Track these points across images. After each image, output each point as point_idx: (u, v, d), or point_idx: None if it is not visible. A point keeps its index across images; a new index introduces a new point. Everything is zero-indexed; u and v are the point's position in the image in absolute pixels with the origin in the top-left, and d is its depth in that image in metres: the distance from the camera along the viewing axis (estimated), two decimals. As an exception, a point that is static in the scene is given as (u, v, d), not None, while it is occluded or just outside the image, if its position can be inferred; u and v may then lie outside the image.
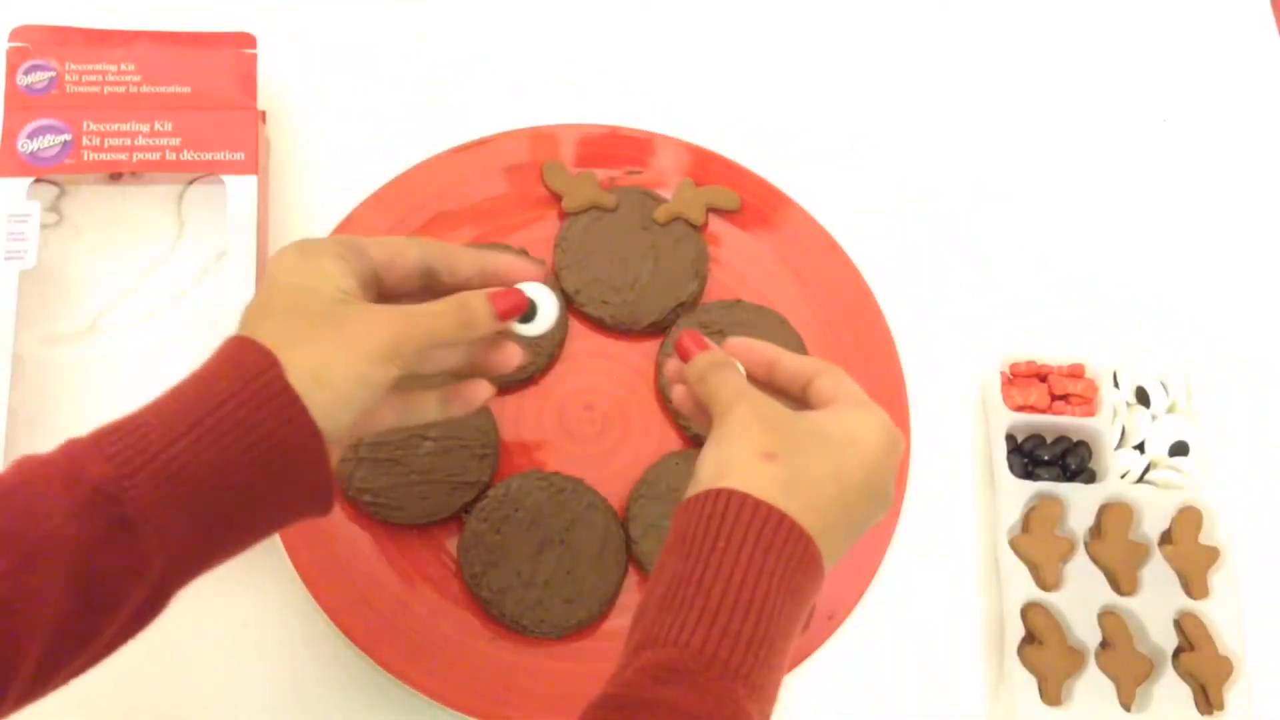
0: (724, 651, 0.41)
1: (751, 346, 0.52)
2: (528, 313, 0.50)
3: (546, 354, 0.67)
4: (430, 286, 0.50)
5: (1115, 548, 0.67)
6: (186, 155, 0.67)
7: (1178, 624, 0.66)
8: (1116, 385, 0.72)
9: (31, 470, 0.41)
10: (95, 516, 0.40)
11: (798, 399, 0.50)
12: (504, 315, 0.49)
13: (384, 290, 0.49)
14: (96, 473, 0.40)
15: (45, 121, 0.66)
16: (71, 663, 0.42)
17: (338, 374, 0.44)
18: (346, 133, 0.75)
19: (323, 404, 0.43)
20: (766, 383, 0.51)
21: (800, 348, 0.69)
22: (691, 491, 0.46)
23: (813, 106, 0.81)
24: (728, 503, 0.44)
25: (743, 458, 0.45)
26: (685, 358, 0.51)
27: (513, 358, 0.52)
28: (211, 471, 0.42)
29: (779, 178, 0.74)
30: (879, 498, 0.48)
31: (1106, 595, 0.66)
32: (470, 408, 0.52)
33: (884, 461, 0.48)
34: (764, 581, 0.42)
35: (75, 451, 0.42)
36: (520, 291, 0.50)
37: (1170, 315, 0.77)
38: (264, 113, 0.71)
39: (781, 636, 0.43)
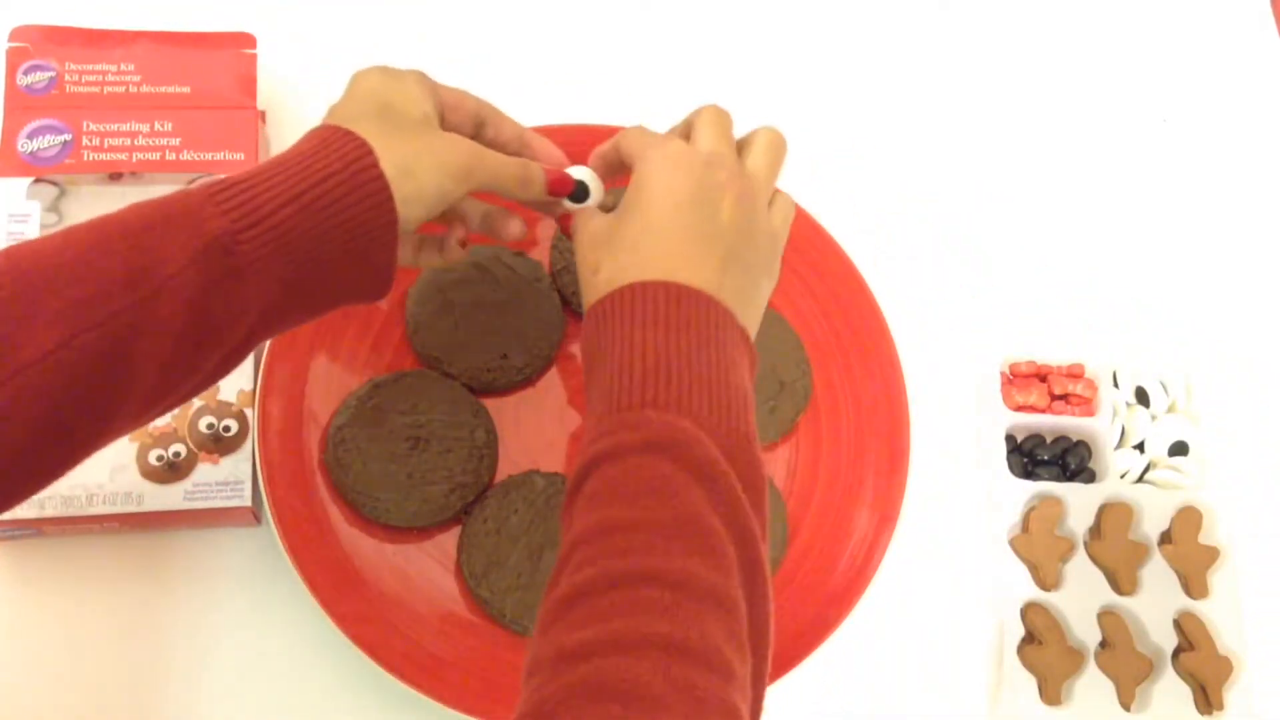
0: (636, 391, 0.46)
1: (605, 154, 0.58)
2: (579, 193, 0.57)
3: (545, 355, 0.67)
4: (478, 136, 0.57)
5: (1115, 548, 0.67)
6: (186, 155, 0.67)
7: (1177, 624, 0.66)
8: (1116, 385, 0.72)
9: (156, 213, 0.46)
10: (213, 263, 0.45)
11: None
12: (552, 190, 0.56)
13: (444, 126, 0.55)
14: (215, 226, 0.45)
15: (45, 121, 0.66)
16: (174, 391, 0.47)
17: (425, 171, 0.50)
18: (346, 133, 0.75)
19: (406, 194, 0.49)
20: (606, 171, 0.58)
21: (799, 347, 0.69)
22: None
23: (813, 106, 0.81)
24: (594, 314, 0.50)
25: (586, 282, 0.53)
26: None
27: (515, 229, 0.59)
28: (308, 238, 0.47)
29: (779, 178, 0.74)
30: (690, 204, 0.51)
31: (1106, 595, 0.66)
32: (452, 257, 0.59)
33: (657, 187, 0.51)
34: (643, 337, 0.47)
35: (193, 203, 0.46)
36: (570, 178, 0.57)
37: (1170, 315, 0.77)
38: (264, 113, 0.71)
39: (692, 364, 0.46)
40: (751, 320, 0.52)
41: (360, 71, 0.54)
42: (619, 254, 0.51)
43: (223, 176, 0.47)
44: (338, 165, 0.48)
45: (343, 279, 0.50)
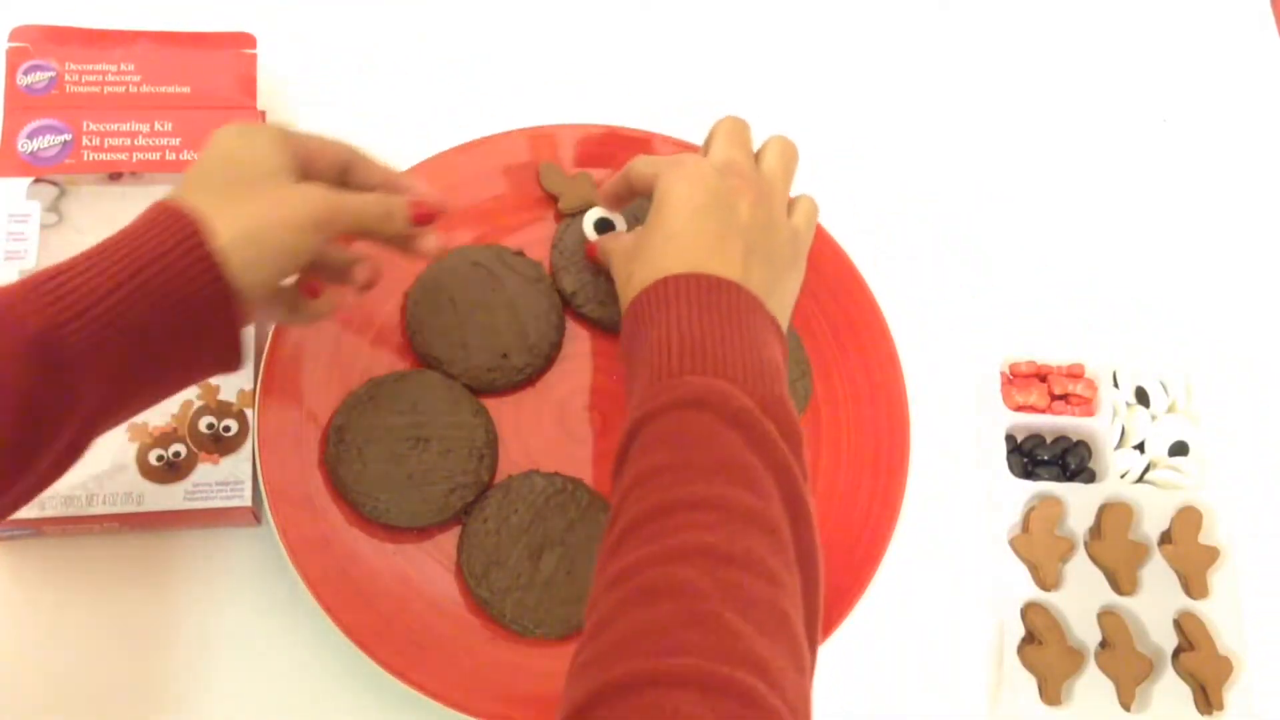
0: (672, 365, 0.49)
1: (614, 187, 0.62)
2: (602, 225, 0.63)
3: (545, 355, 0.67)
4: (345, 182, 0.57)
5: (1115, 548, 0.67)
6: (186, 155, 0.67)
7: (1177, 624, 0.66)
8: (1116, 385, 0.72)
9: None
10: (34, 361, 0.44)
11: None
12: (417, 220, 0.57)
13: (307, 176, 0.54)
14: (35, 322, 0.44)
15: (45, 121, 0.66)
16: (7, 492, 0.46)
17: (269, 234, 0.49)
18: (346, 133, 0.75)
19: (247, 260, 0.48)
20: (616, 203, 0.64)
21: (798, 347, 0.69)
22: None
23: (813, 106, 0.81)
24: (632, 311, 0.53)
25: (620, 291, 0.56)
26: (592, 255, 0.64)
27: (370, 275, 0.59)
28: (138, 325, 0.46)
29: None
30: (708, 208, 0.54)
31: (1106, 595, 0.66)
32: (319, 316, 0.59)
33: (675, 199, 0.55)
34: (674, 320, 0.50)
35: (12, 299, 0.45)
36: (433, 208, 0.58)
37: (1170, 315, 0.77)
38: (264, 113, 0.71)
39: (723, 338, 0.49)
40: (779, 310, 0.54)
41: (218, 131, 0.53)
42: (648, 260, 0.53)
43: (51, 268, 0.46)
44: (165, 246, 0.47)
45: (184, 359, 0.49)
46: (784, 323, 0.55)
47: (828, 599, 0.63)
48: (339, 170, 0.56)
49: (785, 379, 0.50)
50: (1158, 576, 0.67)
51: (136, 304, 0.46)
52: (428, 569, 0.62)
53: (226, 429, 0.62)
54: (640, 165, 0.60)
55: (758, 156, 0.59)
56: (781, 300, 0.56)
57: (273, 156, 0.52)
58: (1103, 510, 0.68)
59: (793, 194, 0.73)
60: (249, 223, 0.49)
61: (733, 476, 0.44)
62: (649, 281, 0.52)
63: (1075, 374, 0.71)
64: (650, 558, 0.42)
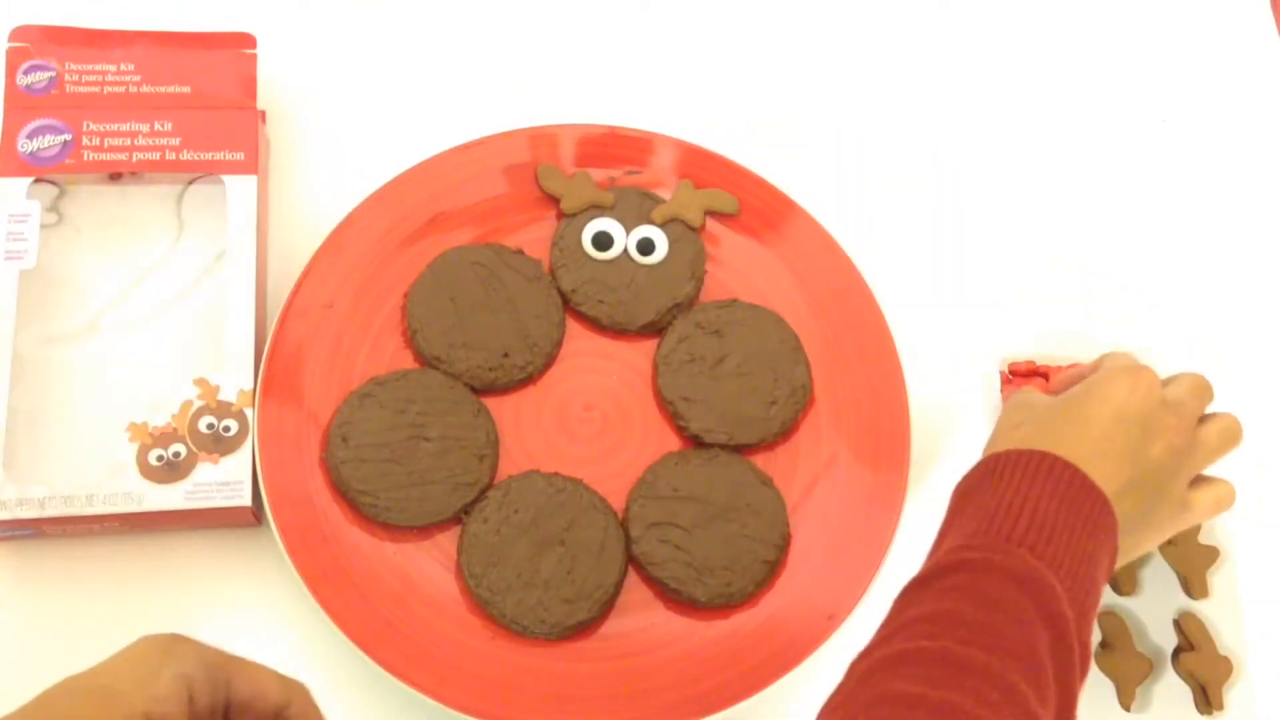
0: (1001, 528, 0.49)
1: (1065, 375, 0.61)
2: (605, 236, 0.63)
3: (546, 354, 0.67)
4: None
5: (1115, 548, 0.67)
6: (186, 155, 0.67)
7: (1178, 624, 0.66)
8: (1116, 385, 0.72)
9: None
10: None
11: None
12: None
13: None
14: None
15: (45, 121, 0.66)
16: None
17: None
18: (346, 133, 0.75)
19: None
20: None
21: (797, 347, 0.69)
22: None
23: (813, 106, 0.81)
24: (992, 459, 0.53)
25: (1001, 432, 0.56)
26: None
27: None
28: None
29: (779, 177, 0.74)
30: (1132, 424, 0.53)
31: (1106, 595, 0.66)
32: None
33: (1112, 395, 0.54)
34: (1029, 490, 0.50)
35: None
36: None
37: (1171, 315, 0.77)
38: (264, 113, 0.71)
39: (1055, 530, 0.49)
40: (1122, 551, 0.53)
41: (142, 640, 0.46)
42: (1046, 425, 0.54)
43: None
44: None
45: None
46: (1122, 560, 0.54)
47: (828, 599, 0.63)
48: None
49: (1101, 590, 0.51)
50: (1158, 576, 0.67)
51: None
52: (428, 569, 0.62)
53: (226, 429, 0.62)
54: (1116, 354, 0.59)
55: (1201, 420, 0.57)
56: (1130, 541, 0.54)
57: (159, 702, 0.43)
58: (1103, 510, 0.68)
59: (784, 195, 0.73)
60: None
61: (1027, 671, 0.44)
62: (1034, 446, 0.52)
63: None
64: (928, 702, 0.42)
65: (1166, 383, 0.56)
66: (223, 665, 0.46)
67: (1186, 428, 0.55)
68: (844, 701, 0.45)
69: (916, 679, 0.43)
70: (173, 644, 0.46)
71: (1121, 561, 0.53)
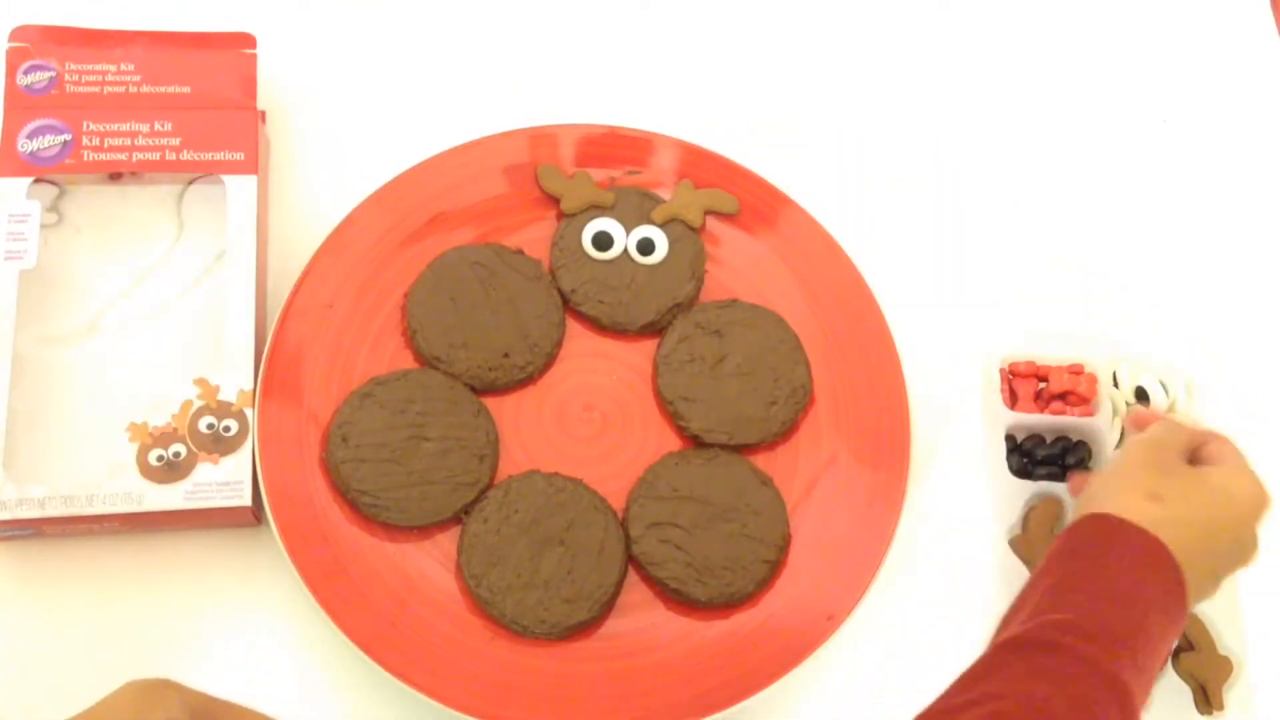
0: (1112, 624, 0.49)
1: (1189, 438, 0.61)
2: (605, 236, 0.61)
3: (546, 353, 0.67)
4: None
5: (1115, 548, 0.67)
6: (186, 155, 0.67)
7: (1178, 624, 0.66)
8: (1116, 385, 0.72)
9: None
10: None
11: (1190, 460, 0.59)
12: None
13: None
14: None
15: (45, 121, 0.66)
16: None
17: None
18: (346, 133, 0.75)
19: None
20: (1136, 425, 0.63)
21: (797, 347, 0.69)
22: (1083, 511, 0.55)
23: (813, 106, 0.81)
24: (1120, 526, 0.52)
25: (1129, 494, 0.54)
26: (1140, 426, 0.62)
27: None
28: None
29: (779, 177, 0.74)
30: (1241, 547, 0.56)
31: (1106, 595, 0.66)
32: None
33: (1251, 518, 0.56)
34: (1142, 591, 0.51)
35: None
36: None
37: (1170, 315, 0.77)
38: (264, 113, 0.71)
39: (1151, 639, 0.50)
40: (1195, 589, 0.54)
41: (125, 688, 0.46)
42: (1183, 525, 0.53)
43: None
44: None
45: None
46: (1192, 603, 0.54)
47: (828, 599, 0.63)
48: None
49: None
50: (1158, 576, 0.67)
51: None
52: (428, 569, 0.62)
53: (226, 429, 0.62)
54: (1229, 446, 0.60)
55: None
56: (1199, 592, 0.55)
57: None
58: (1103, 510, 0.68)
59: (784, 195, 0.73)
60: None
61: None
62: (1167, 543, 0.52)
63: (1075, 373, 0.71)
64: None
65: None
66: (208, 710, 0.46)
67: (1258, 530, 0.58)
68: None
69: None
70: (160, 690, 0.46)
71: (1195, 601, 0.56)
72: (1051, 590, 0.52)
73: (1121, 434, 0.70)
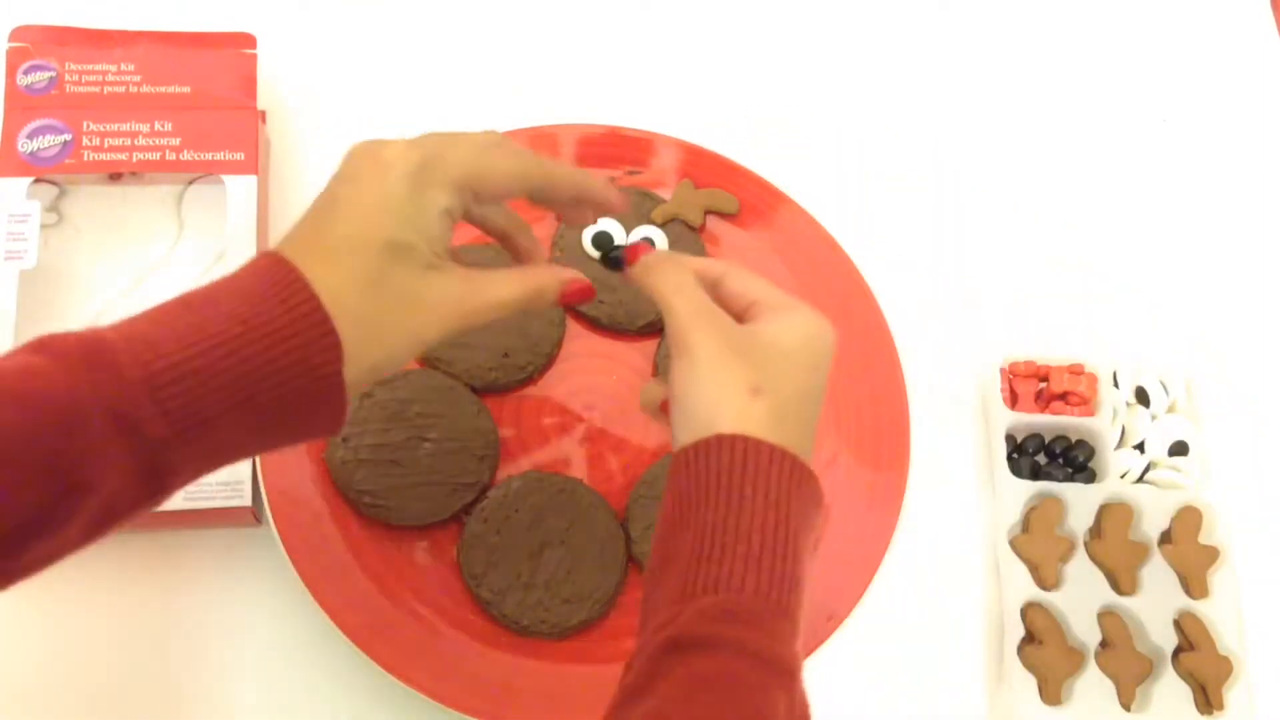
0: (775, 593, 0.43)
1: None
2: (605, 235, 0.60)
3: (546, 353, 0.67)
4: (533, 197, 0.52)
5: (1115, 548, 0.67)
6: (186, 155, 0.67)
7: (1177, 624, 0.66)
8: (1116, 385, 0.72)
9: (91, 399, 0.40)
10: (140, 467, 0.41)
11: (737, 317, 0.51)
12: (564, 302, 0.53)
13: (480, 202, 0.49)
14: (151, 432, 0.41)
15: (45, 121, 0.66)
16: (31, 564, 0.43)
17: (400, 344, 0.46)
18: (346, 133, 0.75)
19: (370, 366, 0.45)
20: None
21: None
22: (687, 435, 0.47)
23: (814, 106, 0.81)
24: (743, 450, 0.45)
25: (732, 397, 0.47)
26: (633, 259, 0.53)
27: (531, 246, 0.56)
28: (257, 436, 0.44)
29: (779, 177, 0.74)
30: (822, 393, 0.50)
31: (1106, 595, 0.66)
32: None
33: (827, 359, 0.50)
34: (792, 523, 0.45)
35: (137, 394, 0.41)
36: (587, 286, 0.53)
37: (1170, 315, 0.77)
38: (264, 113, 0.71)
39: (802, 567, 0.45)
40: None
41: (390, 158, 0.47)
42: (779, 405, 0.47)
43: (173, 350, 0.41)
44: (293, 371, 0.42)
45: (274, 446, 0.46)
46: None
47: (828, 599, 0.63)
48: (527, 191, 0.51)
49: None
50: (1158, 576, 0.67)
51: (252, 420, 0.42)
52: (428, 569, 0.62)
53: (226, 429, 0.61)
54: (754, 286, 0.52)
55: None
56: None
57: (437, 237, 0.46)
58: (1103, 510, 0.68)
59: (784, 195, 0.74)
60: (377, 356, 0.45)
61: None
62: (784, 444, 0.46)
63: (1075, 373, 0.71)
64: None
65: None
66: (459, 174, 0.47)
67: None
68: None
69: None
70: (422, 174, 0.46)
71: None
72: (697, 552, 0.44)
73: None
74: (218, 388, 0.42)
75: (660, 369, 0.68)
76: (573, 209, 0.54)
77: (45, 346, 0.41)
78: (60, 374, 0.40)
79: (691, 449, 0.46)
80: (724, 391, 0.47)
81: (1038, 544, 0.67)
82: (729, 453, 0.45)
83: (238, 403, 0.42)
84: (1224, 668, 0.64)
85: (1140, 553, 0.67)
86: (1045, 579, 0.66)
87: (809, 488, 0.46)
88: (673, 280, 0.50)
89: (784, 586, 0.44)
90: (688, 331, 0.48)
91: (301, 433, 0.45)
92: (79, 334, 0.42)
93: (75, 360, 0.41)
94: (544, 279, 0.52)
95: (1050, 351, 0.72)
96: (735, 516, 0.45)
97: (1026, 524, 0.68)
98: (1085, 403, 0.71)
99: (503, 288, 0.50)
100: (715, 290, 0.52)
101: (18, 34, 0.68)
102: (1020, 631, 0.65)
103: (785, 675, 0.43)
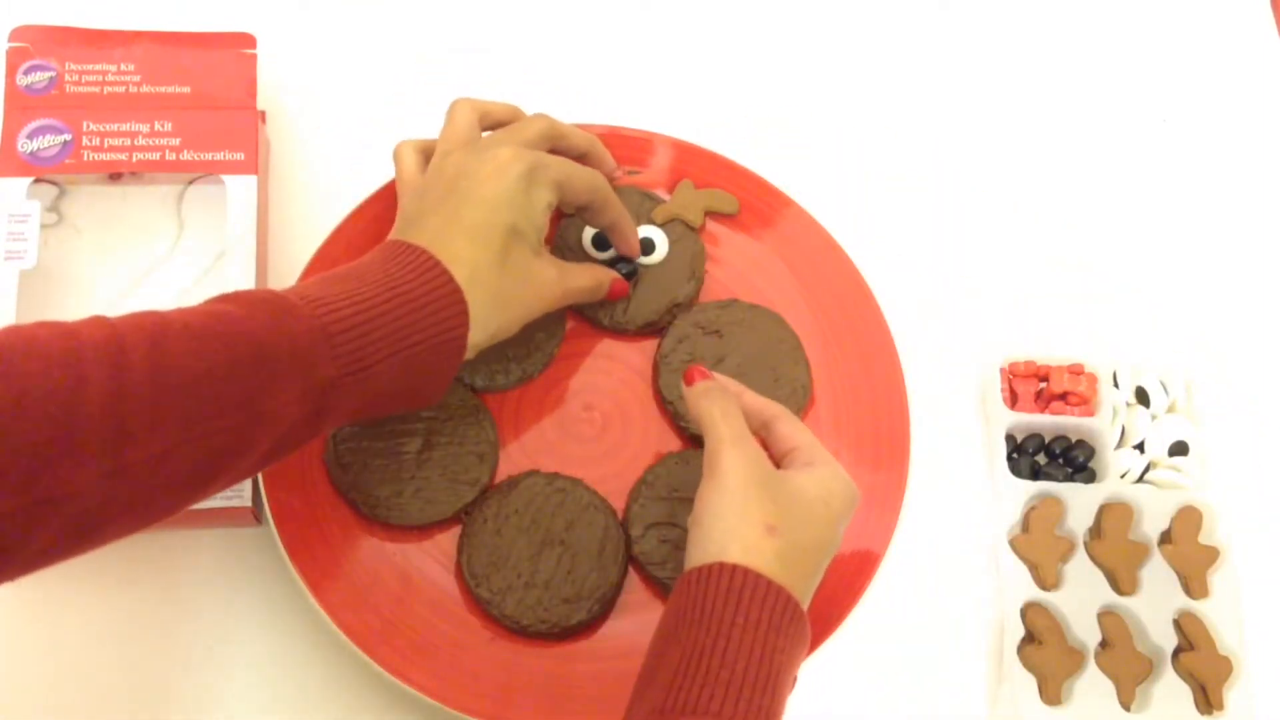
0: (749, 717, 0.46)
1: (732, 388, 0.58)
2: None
3: (547, 354, 0.67)
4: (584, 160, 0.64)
5: (1115, 548, 0.67)
6: (186, 155, 0.67)
7: (1177, 624, 0.66)
8: (1116, 385, 0.72)
9: (280, 339, 0.48)
10: (311, 402, 0.49)
11: (757, 434, 0.56)
12: (610, 296, 0.66)
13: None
14: (325, 372, 0.49)
15: (45, 121, 0.66)
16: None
17: (511, 317, 0.58)
18: (346, 133, 0.75)
19: (491, 333, 0.56)
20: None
21: (797, 347, 0.69)
22: (699, 557, 0.50)
23: (813, 106, 0.81)
24: (744, 581, 0.48)
25: (747, 530, 0.50)
26: (688, 382, 0.57)
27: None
28: (390, 389, 0.52)
29: (779, 177, 0.74)
30: (833, 548, 0.54)
31: (1106, 595, 0.66)
32: None
33: (846, 519, 0.54)
34: (777, 659, 0.47)
35: (314, 340, 0.49)
36: (625, 284, 0.67)
37: (1170, 315, 0.77)
38: (264, 113, 0.71)
39: (781, 702, 0.48)
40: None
41: (505, 160, 0.57)
42: (790, 548, 0.51)
43: (342, 304, 0.50)
44: (434, 330, 0.52)
45: (396, 407, 0.56)
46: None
47: (828, 599, 0.63)
48: (588, 205, 0.63)
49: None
50: (1158, 576, 0.67)
51: (399, 371, 0.52)
52: (428, 569, 0.62)
53: (226, 429, 0.61)
54: (799, 436, 0.56)
55: None
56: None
57: (542, 224, 0.59)
58: (1103, 510, 0.68)
59: (784, 195, 0.74)
60: (494, 327, 0.56)
61: None
62: (788, 585, 0.49)
63: (1075, 373, 0.71)
64: None
65: None
66: (561, 184, 0.59)
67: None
68: None
69: None
70: (533, 174, 0.58)
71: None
72: (682, 671, 0.47)
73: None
74: (377, 339, 0.50)
75: (660, 369, 0.68)
76: (592, 221, 0.66)
77: (234, 298, 0.49)
78: (255, 318, 0.47)
79: (696, 572, 0.49)
80: (741, 523, 0.50)
81: (1037, 544, 0.67)
82: (729, 580, 0.48)
83: (389, 354, 0.51)
84: (1224, 668, 0.64)
85: (1140, 553, 0.67)
86: (1045, 579, 0.66)
87: (798, 627, 0.49)
88: (720, 406, 0.55)
89: (765, 714, 0.46)
90: (722, 455, 0.52)
91: (416, 396, 0.55)
92: (260, 290, 0.51)
93: (266, 307, 0.48)
94: (601, 275, 0.65)
95: (1050, 351, 0.72)
96: (724, 641, 0.47)
97: (1026, 524, 0.68)
98: (1085, 403, 0.71)
99: (580, 278, 0.63)
100: (765, 430, 0.56)
101: (18, 34, 0.68)
102: (1020, 631, 0.65)
103: None
